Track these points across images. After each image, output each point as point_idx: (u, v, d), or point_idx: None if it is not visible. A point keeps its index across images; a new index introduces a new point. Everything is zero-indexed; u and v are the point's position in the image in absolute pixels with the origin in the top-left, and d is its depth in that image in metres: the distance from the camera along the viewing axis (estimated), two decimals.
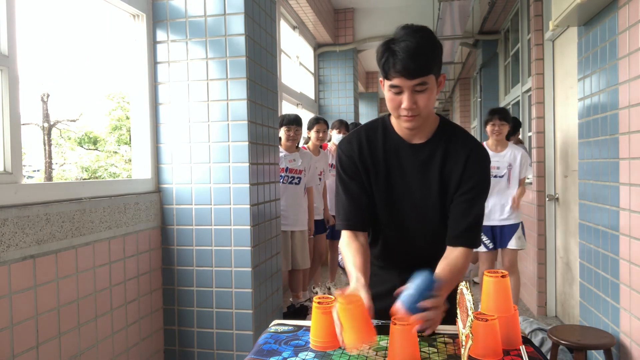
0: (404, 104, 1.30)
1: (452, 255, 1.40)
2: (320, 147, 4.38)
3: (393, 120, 1.45)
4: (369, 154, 1.45)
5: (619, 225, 2.25)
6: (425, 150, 1.42)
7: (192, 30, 2.55)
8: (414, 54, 1.25)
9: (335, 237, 4.50)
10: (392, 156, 1.44)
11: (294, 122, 3.79)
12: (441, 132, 1.43)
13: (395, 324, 1.11)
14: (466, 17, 4.72)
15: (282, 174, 3.76)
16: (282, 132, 3.79)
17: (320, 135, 4.23)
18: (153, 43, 2.60)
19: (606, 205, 2.38)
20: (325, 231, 4.43)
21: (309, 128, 4.27)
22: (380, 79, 1.37)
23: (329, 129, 4.56)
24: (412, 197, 1.44)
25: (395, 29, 1.32)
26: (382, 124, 1.48)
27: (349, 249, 1.42)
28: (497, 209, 3.62)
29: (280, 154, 3.74)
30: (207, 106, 2.55)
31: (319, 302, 1.27)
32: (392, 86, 1.30)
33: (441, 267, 1.36)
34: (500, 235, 3.64)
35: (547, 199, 3.89)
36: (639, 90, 2.04)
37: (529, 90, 4.50)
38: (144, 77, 2.57)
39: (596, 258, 2.53)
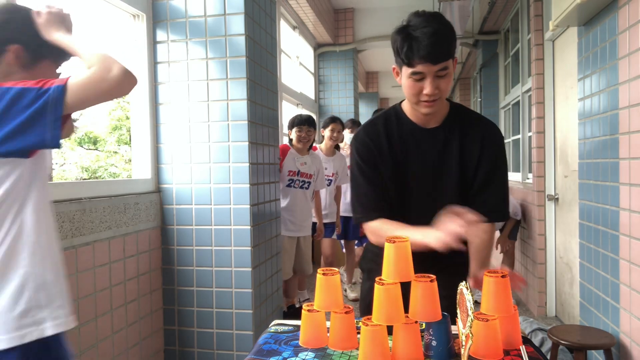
0: (427, 90, 1.30)
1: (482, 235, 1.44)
2: (336, 147, 4.23)
3: (405, 108, 1.47)
4: (386, 141, 1.45)
5: (619, 225, 2.24)
6: (442, 133, 1.44)
7: (192, 30, 2.55)
8: (437, 39, 1.25)
9: (349, 237, 4.43)
10: (410, 141, 1.45)
11: (305, 122, 3.61)
12: (454, 114, 1.46)
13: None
14: (466, 17, 4.72)
15: (294, 178, 3.59)
16: (293, 133, 3.63)
17: (335, 135, 4.09)
18: (153, 43, 2.60)
19: (606, 205, 2.38)
20: (331, 235, 4.24)
21: (324, 127, 4.13)
22: (394, 67, 1.38)
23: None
24: (432, 178, 1.45)
25: (408, 17, 1.33)
26: (394, 113, 1.49)
27: (385, 225, 1.40)
28: None
29: (292, 156, 3.60)
30: (207, 106, 2.55)
31: (308, 311, 1.23)
32: (414, 73, 1.30)
33: (474, 247, 1.43)
34: None
35: (547, 199, 3.89)
36: (639, 90, 2.04)
37: (529, 90, 4.50)
38: (144, 77, 2.57)
39: (596, 258, 2.53)
